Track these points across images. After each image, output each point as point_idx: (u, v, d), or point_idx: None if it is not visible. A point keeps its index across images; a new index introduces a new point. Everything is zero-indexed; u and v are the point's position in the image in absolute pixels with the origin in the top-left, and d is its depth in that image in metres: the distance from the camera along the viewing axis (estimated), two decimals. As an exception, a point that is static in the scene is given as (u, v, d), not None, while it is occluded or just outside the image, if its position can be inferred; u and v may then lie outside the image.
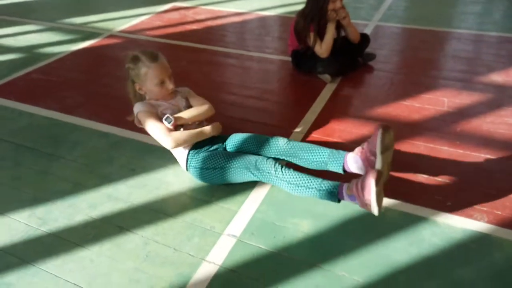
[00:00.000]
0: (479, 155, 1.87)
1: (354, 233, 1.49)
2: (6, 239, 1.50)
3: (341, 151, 1.60)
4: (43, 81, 2.73)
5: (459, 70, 2.69)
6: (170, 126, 1.67)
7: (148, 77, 1.73)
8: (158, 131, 1.67)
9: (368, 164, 1.50)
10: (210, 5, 4.24)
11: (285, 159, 1.70)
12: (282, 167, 1.53)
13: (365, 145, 1.53)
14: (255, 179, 1.59)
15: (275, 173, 1.52)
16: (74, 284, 1.33)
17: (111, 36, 3.49)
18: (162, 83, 1.74)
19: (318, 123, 2.15)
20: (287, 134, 2.06)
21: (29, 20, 3.93)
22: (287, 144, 1.68)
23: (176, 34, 3.48)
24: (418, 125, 2.12)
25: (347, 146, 1.97)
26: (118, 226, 1.54)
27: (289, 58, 2.80)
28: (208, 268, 1.37)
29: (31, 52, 3.19)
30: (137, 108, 1.74)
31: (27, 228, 1.54)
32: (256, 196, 1.66)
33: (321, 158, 1.61)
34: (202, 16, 3.91)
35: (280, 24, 3.74)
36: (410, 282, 1.31)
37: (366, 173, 1.39)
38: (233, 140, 1.77)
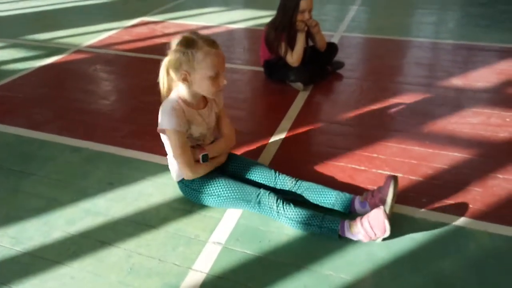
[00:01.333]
0: (447, 154, 1.97)
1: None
2: (-23, 261, 1.42)
3: (347, 194, 1.57)
4: (8, 97, 2.62)
5: (422, 75, 2.84)
6: (201, 162, 1.58)
7: (204, 65, 1.42)
8: (182, 158, 1.52)
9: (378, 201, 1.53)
10: (179, 19, 4.26)
11: (292, 195, 1.62)
12: (283, 202, 1.49)
13: (374, 192, 1.55)
14: (254, 211, 1.56)
15: (277, 209, 1.49)
16: (55, 302, 1.27)
17: (78, 51, 3.42)
18: (216, 76, 1.47)
19: (294, 129, 2.20)
20: (264, 141, 2.09)
21: (-11, 37, 3.78)
22: (295, 185, 1.62)
23: (145, 48, 3.46)
24: (389, 127, 2.21)
25: (324, 150, 2.02)
26: (99, 241, 1.49)
27: (261, 69, 2.85)
28: (195, 276, 1.35)
29: (-7, 69, 3.07)
30: (168, 120, 1.48)
31: (-1, 249, 1.47)
32: (239, 203, 1.66)
33: (328, 200, 1.57)
34: (171, 30, 3.91)
35: (249, 36, 3.81)
36: (394, 276, 1.35)
37: (376, 212, 1.41)
38: (237, 165, 1.70)
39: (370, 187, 1.75)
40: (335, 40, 3.48)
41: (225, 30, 3.93)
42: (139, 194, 1.73)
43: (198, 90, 1.52)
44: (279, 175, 1.66)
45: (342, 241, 1.47)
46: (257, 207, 1.53)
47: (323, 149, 2.04)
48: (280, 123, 2.26)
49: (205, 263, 1.40)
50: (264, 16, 4.17)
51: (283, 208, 1.49)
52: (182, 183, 1.64)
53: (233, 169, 1.71)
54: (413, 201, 1.66)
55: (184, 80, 1.47)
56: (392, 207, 1.49)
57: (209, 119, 1.64)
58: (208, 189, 1.58)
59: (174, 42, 1.46)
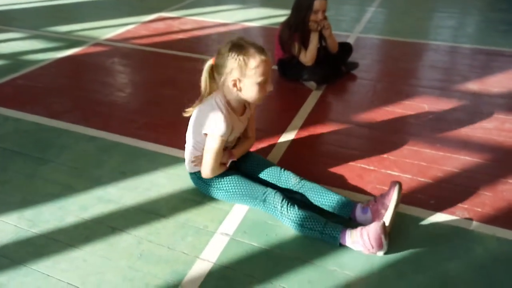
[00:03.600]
0: (459, 157, 1.96)
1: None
2: (-5, 241, 1.48)
3: (350, 200, 1.57)
4: (29, 87, 2.70)
5: (437, 79, 2.82)
6: (227, 165, 1.63)
7: (255, 72, 1.44)
8: (214, 164, 1.56)
9: (377, 216, 1.50)
10: (196, 15, 4.31)
11: (295, 195, 1.64)
12: (288, 204, 1.50)
13: (377, 198, 1.54)
14: (260, 209, 1.58)
15: (281, 209, 1.50)
16: (68, 283, 1.32)
17: (97, 44, 3.49)
18: (265, 82, 1.49)
19: (306, 128, 2.21)
20: (275, 139, 2.11)
21: (12, 27, 3.89)
22: (298, 183, 1.63)
23: (162, 43, 3.51)
24: (401, 129, 2.21)
25: (334, 150, 2.04)
26: (111, 227, 1.54)
27: (274, 67, 2.87)
28: (202, 265, 1.38)
29: (15, 59, 3.16)
30: (219, 127, 1.50)
31: (16, 230, 1.52)
32: (248, 197, 1.69)
33: (330, 203, 1.57)
34: (188, 26, 3.96)
35: (264, 34, 3.83)
36: (398, 275, 1.36)
37: (375, 226, 1.39)
38: (250, 163, 1.74)
39: (378, 186, 1.75)
40: (350, 40, 3.48)
41: (240, 27, 3.96)
42: (151, 184, 1.77)
43: (245, 97, 1.52)
44: (284, 171, 1.67)
45: (348, 238, 1.49)
46: (262, 205, 1.56)
47: (333, 148, 2.05)
48: (292, 121, 2.28)
49: (212, 253, 1.43)
50: (279, 15, 4.18)
51: (287, 209, 1.49)
52: (195, 174, 1.68)
53: (243, 166, 1.74)
54: (421, 203, 1.67)
55: (234, 86, 1.48)
56: (393, 215, 1.47)
57: (244, 124, 1.68)
58: (219, 184, 1.61)
59: (225, 47, 1.47)
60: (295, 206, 1.51)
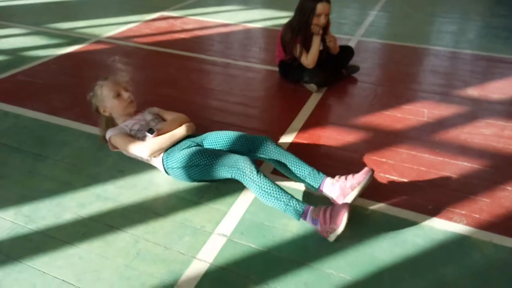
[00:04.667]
0: (457, 163, 1.96)
1: (341, 233, 1.53)
2: (-9, 236, 1.48)
3: (321, 173, 1.67)
4: (29, 83, 2.70)
5: (438, 84, 2.83)
6: (152, 136, 1.77)
7: (104, 95, 1.88)
8: (132, 145, 1.77)
9: (342, 193, 1.59)
10: (198, 15, 4.31)
11: (267, 161, 1.76)
12: (257, 170, 1.55)
13: (347, 177, 1.62)
14: (229, 176, 1.60)
15: (250, 175, 1.54)
16: (63, 280, 1.31)
17: (98, 41, 3.49)
18: (118, 95, 1.89)
19: (305, 130, 2.21)
20: (275, 139, 2.11)
21: (13, 23, 3.89)
22: (275, 148, 1.73)
23: (164, 42, 3.51)
24: (400, 133, 2.21)
25: (333, 151, 2.04)
26: (108, 225, 1.54)
27: (276, 68, 2.88)
28: (199, 265, 1.38)
29: (16, 55, 3.16)
30: (108, 134, 1.85)
31: (13, 226, 1.52)
32: (245, 198, 1.69)
33: (302, 173, 1.68)
34: (190, 26, 3.96)
35: (265, 36, 3.83)
36: (394, 279, 1.36)
37: (340, 205, 1.46)
38: (213, 138, 1.80)
39: (375, 190, 1.75)
40: (352, 44, 3.49)
41: (242, 28, 3.96)
42: (148, 183, 1.77)
43: (115, 113, 1.92)
44: (260, 137, 1.75)
45: (344, 242, 1.49)
46: (233, 171, 1.58)
47: (332, 150, 2.05)
48: (292, 123, 2.28)
49: (209, 254, 1.43)
50: (282, 17, 4.19)
51: (257, 175, 1.54)
52: (167, 168, 1.73)
53: (210, 144, 1.80)
54: (419, 207, 1.67)
55: (104, 111, 1.93)
56: (356, 197, 1.57)
57: (143, 117, 1.93)
58: (187, 162, 1.66)
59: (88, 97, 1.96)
60: (265, 176, 1.56)
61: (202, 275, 1.35)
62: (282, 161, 1.71)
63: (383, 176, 1.85)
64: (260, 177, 1.54)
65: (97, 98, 1.91)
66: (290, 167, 1.69)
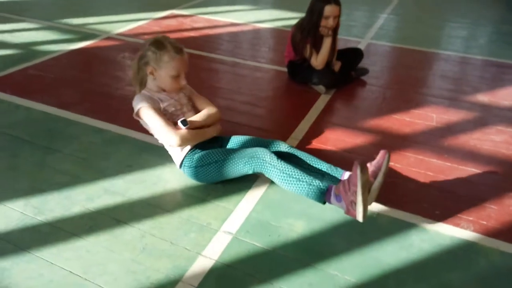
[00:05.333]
0: (466, 169, 1.95)
1: (347, 235, 1.53)
2: (1, 226, 1.49)
3: (339, 168, 1.66)
4: (40, 77, 2.73)
5: (447, 89, 2.81)
6: (184, 128, 1.69)
7: (167, 66, 1.69)
8: (164, 128, 1.67)
9: (371, 176, 1.54)
10: (208, 14, 4.33)
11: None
12: (277, 157, 1.56)
13: (367, 165, 1.56)
14: (249, 169, 1.60)
15: (270, 160, 1.55)
16: (70, 271, 1.33)
17: (109, 38, 3.51)
18: (177, 76, 1.73)
19: (313, 132, 2.21)
20: (282, 140, 2.11)
21: (26, 18, 3.93)
22: (289, 149, 1.73)
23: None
24: (408, 138, 2.20)
25: (341, 154, 2.04)
26: (115, 219, 1.55)
27: (284, 69, 2.88)
28: (204, 262, 1.39)
29: (27, 49, 3.19)
30: (139, 102, 1.70)
31: (22, 216, 1.54)
32: (252, 196, 1.70)
33: (320, 168, 1.67)
34: (200, 25, 3.98)
35: (274, 36, 3.84)
36: (399, 283, 1.36)
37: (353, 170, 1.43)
38: (234, 142, 1.83)
39: (383, 193, 1.75)
40: (361, 46, 3.48)
41: (252, 28, 3.97)
42: (157, 179, 1.78)
43: (161, 85, 1.77)
44: (274, 140, 1.77)
45: (349, 244, 1.49)
46: (253, 162, 1.58)
47: (339, 153, 2.05)
48: (299, 124, 2.28)
49: (214, 251, 1.43)
50: (291, 18, 4.19)
51: (278, 161, 1.55)
52: (184, 166, 1.73)
53: (231, 144, 1.82)
54: (426, 212, 1.66)
55: (151, 73, 1.73)
56: (382, 181, 1.53)
57: (179, 99, 1.82)
58: (206, 159, 1.67)
59: (147, 42, 1.73)
60: (284, 160, 1.57)
61: (207, 272, 1.35)
62: (300, 156, 1.71)
63: (390, 180, 1.84)
64: (280, 161, 1.55)
65: (157, 61, 1.69)
66: (310, 162, 1.69)
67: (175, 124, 1.71)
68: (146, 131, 2.11)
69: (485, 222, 1.63)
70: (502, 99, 2.66)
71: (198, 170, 1.69)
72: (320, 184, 1.51)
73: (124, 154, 1.94)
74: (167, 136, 1.67)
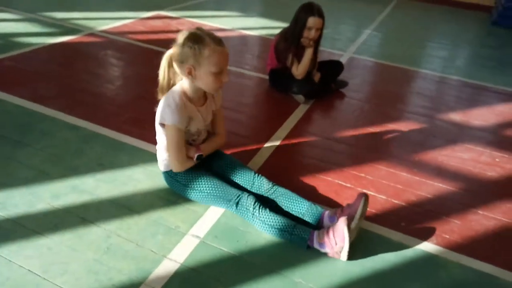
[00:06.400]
0: (433, 183, 2.00)
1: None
2: (-40, 220, 1.45)
3: (319, 207, 1.62)
4: (16, 69, 2.67)
5: (423, 106, 2.89)
6: (195, 160, 1.63)
7: (209, 61, 1.46)
8: (178, 153, 1.57)
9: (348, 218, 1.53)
10: (195, 18, 4.33)
11: (265, 198, 1.67)
12: (260, 206, 1.54)
13: (344, 208, 1.59)
14: (231, 211, 1.61)
15: (253, 211, 1.53)
16: (29, 270, 1.29)
17: (92, 34, 3.48)
18: (220, 72, 1.52)
19: (289, 139, 2.24)
20: (258, 146, 2.13)
21: (7, 8, 3.85)
22: (271, 188, 1.66)
23: (157, 40, 3.52)
24: (381, 151, 2.25)
25: (313, 163, 2.06)
26: (81, 218, 1.52)
27: (266, 77, 2.91)
28: (169, 265, 1.38)
29: (5, 40, 3.12)
30: (171, 115, 1.51)
31: (-16, 211, 1.50)
32: (223, 201, 1.70)
33: (300, 209, 1.61)
34: (186, 27, 3.95)
35: (260, 44, 3.88)
36: (362, 293, 1.38)
37: (339, 222, 1.46)
38: (222, 163, 1.76)
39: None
40: (343, 59, 3.55)
41: (238, 34, 3.99)
42: (128, 179, 1.76)
43: (201, 85, 1.55)
44: (257, 177, 1.69)
45: (317, 253, 1.50)
46: (235, 208, 1.57)
47: (314, 161, 2.07)
48: (277, 131, 2.30)
49: (180, 254, 1.43)
50: (277, 27, 4.22)
51: (259, 211, 1.53)
52: (168, 174, 1.68)
53: (217, 167, 1.76)
54: (392, 224, 1.70)
55: (189, 73, 1.50)
56: (359, 223, 1.51)
57: (206, 116, 1.69)
58: (192, 184, 1.62)
59: (181, 36, 1.49)
60: (267, 209, 1.55)
61: (172, 275, 1.34)
62: (278, 200, 1.65)
63: (360, 191, 1.88)
64: (262, 212, 1.53)
65: (196, 57, 1.46)
66: (290, 202, 1.63)
67: (189, 143, 1.66)
68: (122, 131, 2.10)
69: (448, 236, 1.67)
70: (473, 119, 2.75)
71: (181, 188, 1.64)
72: (302, 232, 1.49)
73: (97, 152, 1.91)
74: (175, 160, 1.59)
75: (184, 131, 1.58)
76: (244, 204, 1.55)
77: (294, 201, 1.63)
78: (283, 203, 1.64)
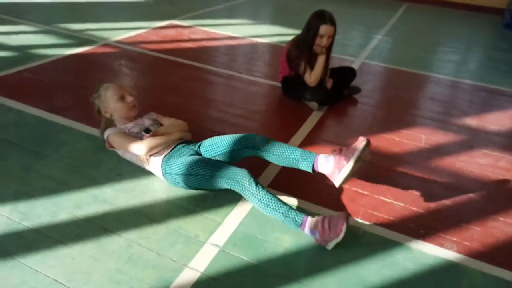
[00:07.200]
0: (452, 190, 1.98)
1: (332, 252, 1.54)
2: (-15, 231, 1.48)
3: (312, 152, 1.72)
4: (34, 80, 2.73)
5: (436, 111, 2.87)
6: (148, 136, 1.82)
7: (108, 96, 1.92)
8: (129, 142, 1.80)
9: (337, 166, 1.62)
10: (206, 26, 4.38)
11: (259, 153, 1.77)
12: (256, 183, 1.59)
13: (343, 149, 1.65)
14: (227, 187, 1.65)
15: (249, 187, 1.57)
16: (54, 279, 1.32)
17: (106, 45, 3.54)
18: (122, 98, 1.93)
19: (303, 147, 2.24)
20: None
21: (24, 20, 3.94)
22: (263, 139, 1.77)
23: (170, 50, 3.57)
24: (396, 157, 2.24)
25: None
26: (102, 227, 1.54)
27: (278, 84, 2.92)
28: (189, 274, 1.39)
29: (23, 52, 3.20)
30: (107, 132, 1.89)
31: (8, 221, 1.53)
32: (241, 210, 1.71)
33: (294, 155, 1.72)
34: (198, 36, 4.03)
35: (271, 51, 3.90)
36: (382, 302, 1.37)
37: (338, 216, 1.52)
38: (208, 144, 1.84)
39: (370, 211, 1.77)
40: (355, 66, 3.55)
41: (249, 42, 4.02)
42: (146, 188, 1.78)
43: (118, 114, 1.95)
44: (248, 134, 1.80)
45: (335, 261, 1.50)
46: (231, 183, 1.61)
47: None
48: (290, 139, 2.31)
49: (201, 263, 1.44)
50: (289, 34, 4.26)
51: (255, 187, 1.57)
52: (166, 174, 1.75)
53: (206, 150, 1.84)
54: (410, 231, 1.68)
55: (106, 112, 1.97)
56: (355, 165, 1.58)
57: (143, 122, 1.98)
58: (186, 170, 1.69)
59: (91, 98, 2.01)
60: (264, 187, 1.59)
61: (192, 284, 1.35)
62: (271, 150, 1.75)
63: (377, 198, 1.87)
64: (258, 189, 1.57)
65: (101, 99, 1.96)
66: (283, 151, 1.73)
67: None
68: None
69: (468, 243, 1.65)
70: (489, 124, 2.72)
71: (179, 178, 1.72)
72: (296, 216, 1.55)
73: (114, 162, 1.94)
74: (135, 148, 1.78)
75: (128, 133, 1.87)
76: (240, 180, 1.59)
77: (287, 148, 1.74)
78: (276, 152, 1.73)
